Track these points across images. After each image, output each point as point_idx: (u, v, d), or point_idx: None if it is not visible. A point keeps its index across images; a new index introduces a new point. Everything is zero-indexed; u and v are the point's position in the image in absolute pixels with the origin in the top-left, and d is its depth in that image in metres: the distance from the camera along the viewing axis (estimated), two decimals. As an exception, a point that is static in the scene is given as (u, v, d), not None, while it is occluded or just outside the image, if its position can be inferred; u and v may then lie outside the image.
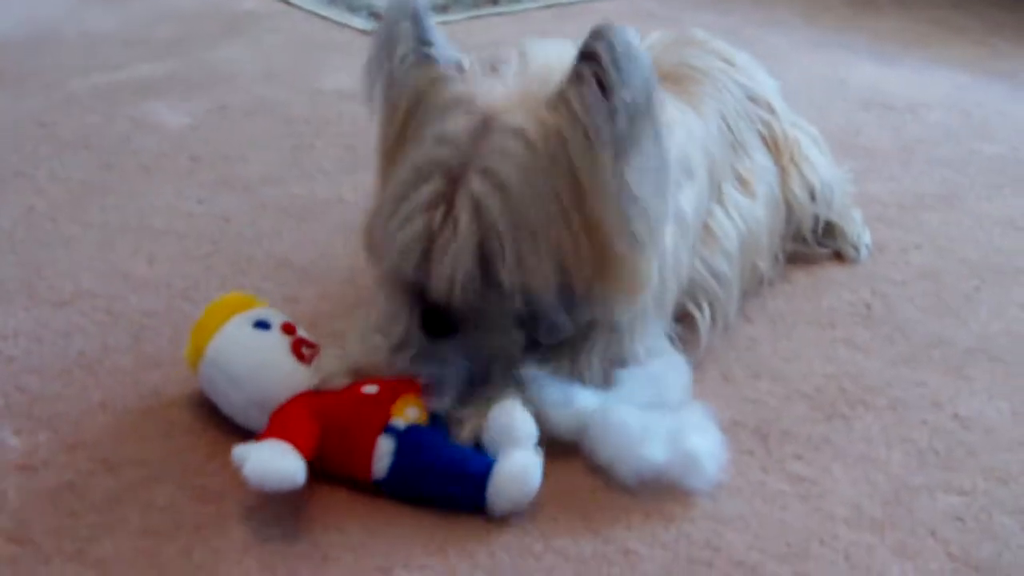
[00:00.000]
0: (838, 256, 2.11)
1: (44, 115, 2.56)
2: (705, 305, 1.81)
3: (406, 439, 1.48)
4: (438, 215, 1.45)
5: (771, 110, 2.04)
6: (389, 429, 1.49)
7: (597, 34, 1.43)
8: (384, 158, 1.58)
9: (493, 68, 1.55)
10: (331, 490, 1.49)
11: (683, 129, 1.77)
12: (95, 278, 1.95)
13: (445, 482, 1.47)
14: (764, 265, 1.95)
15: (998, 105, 2.91)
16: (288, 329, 1.61)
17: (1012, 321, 1.96)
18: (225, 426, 1.59)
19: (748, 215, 1.91)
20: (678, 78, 1.92)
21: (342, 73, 2.90)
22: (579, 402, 1.56)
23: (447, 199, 1.45)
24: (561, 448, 1.54)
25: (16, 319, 1.83)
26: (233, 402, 1.57)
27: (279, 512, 1.46)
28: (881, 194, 2.38)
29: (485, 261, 1.45)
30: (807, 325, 1.91)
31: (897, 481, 1.57)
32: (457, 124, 1.46)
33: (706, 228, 1.83)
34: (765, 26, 3.46)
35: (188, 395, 1.66)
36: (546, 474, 1.49)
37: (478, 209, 1.44)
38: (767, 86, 2.08)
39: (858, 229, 2.15)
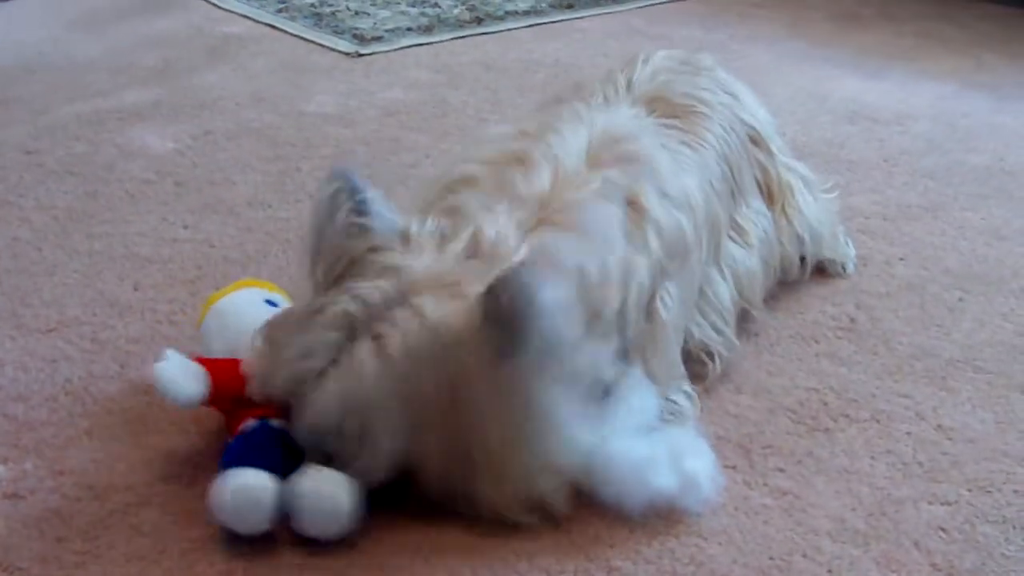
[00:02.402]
0: (822, 270, 2.12)
1: (29, 143, 2.57)
2: (705, 356, 1.81)
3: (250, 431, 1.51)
4: (325, 364, 1.46)
5: (769, 153, 2.05)
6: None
7: (503, 284, 1.40)
8: (313, 287, 1.58)
9: (442, 238, 1.55)
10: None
11: (684, 208, 1.75)
12: (81, 305, 1.95)
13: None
14: (757, 312, 1.94)
15: (983, 116, 2.93)
16: None
17: (996, 331, 1.96)
18: (210, 452, 1.59)
19: (743, 267, 1.90)
20: (687, 114, 1.92)
21: (327, 96, 2.91)
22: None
23: (337, 352, 1.46)
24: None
25: (2, 348, 1.84)
26: (213, 351, 1.67)
27: (264, 536, 1.46)
28: (865, 206, 2.39)
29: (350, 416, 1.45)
30: (790, 339, 1.92)
31: (881, 493, 1.58)
32: (375, 289, 1.47)
33: (703, 294, 1.82)
34: (750, 41, 3.47)
35: (173, 421, 1.66)
36: (529, 493, 1.50)
37: (357, 370, 1.44)
38: (766, 125, 2.08)
39: (843, 247, 2.16)
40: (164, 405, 1.68)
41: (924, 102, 3.01)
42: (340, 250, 1.54)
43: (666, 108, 1.92)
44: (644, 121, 1.87)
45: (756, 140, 2.02)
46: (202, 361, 1.56)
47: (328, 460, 1.46)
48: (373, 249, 1.52)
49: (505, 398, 1.44)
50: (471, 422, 1.45)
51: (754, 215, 1.97)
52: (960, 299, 2.06)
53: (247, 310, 1.70)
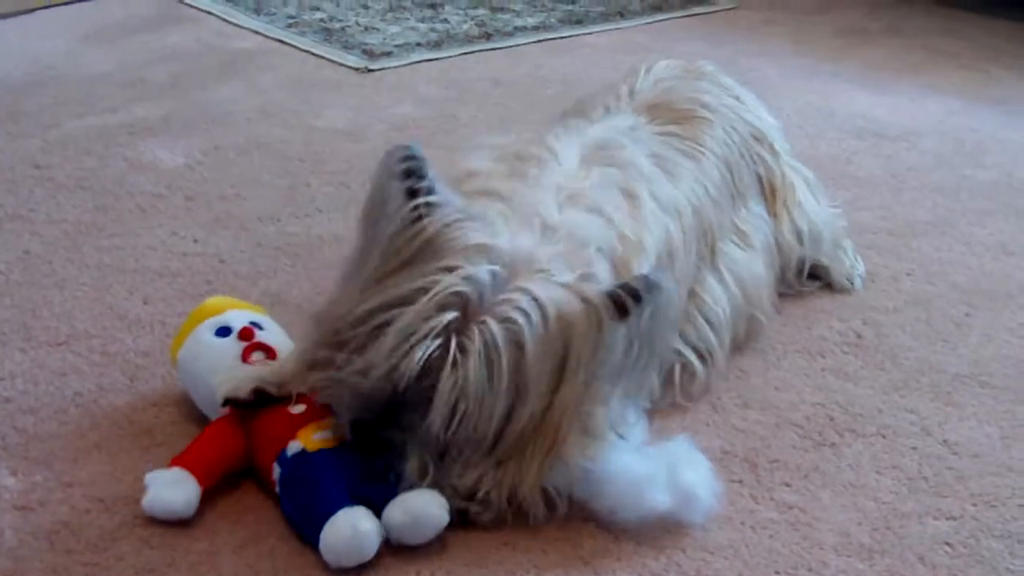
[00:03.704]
0: (829, 286, 2.12)
1: (40, 157, 2.58)
2: (697, 359, 1.81)
3: (288, 468, 1.50)
4: (448, 344, 1.45)
5: (772, 151, 2.06)
6: (280, 456, 1.51)
7: (648, 285, 1.45)
8: (371, 279, 1.54)
9: (507, 217, 1.58)
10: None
11: (671, 212, 1.76)
12: (90, 319, 1.96)
13: (307, 519, 1.47)
14: (763, 316, 1.94)
15: (990, 131, 2.93)
16: (245, 335, 1.66)
17: (1002, 346, 1.97)
18: (218, 463, 1.60)
19: (746, 270, 1.91)
20: (688, 118, 1.94)
21: (337, 111, 2.92)
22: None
23: (459, 332, 1.46)
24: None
25: (12, 360, 1.85)
26: (200, 401, 1.68)
27: (272, 547, 1.47)
28: (872, 222, 2.39)
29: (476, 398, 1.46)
30: (797, 354, 1.93)
31: (886, 508, 1.58)
32: (482, 269, 1.48)
33: (694, 296, 1.82)
34: (757, 57, 3.48)
35: (182, 433, 1.67)
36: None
37: (489, 352, 1.45)
38: (770, 125, 2.10)
39: (850, 261, 2.16)
40: (173, 418, 1.71)
41: (932, 117, 3.01)
42: (410, 230, 1.52)
43: (667, 114, 1.94)
44: (639, 132, 1.88)
45: (759, 138, 2.04)
46: (182, 460, 1.54)
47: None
48: (448, 226, 1.52)
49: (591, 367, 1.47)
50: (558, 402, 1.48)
51: (754, 219, 1.98)
52: (967, 314, 2.06)
53: (200, 351, 1.66)
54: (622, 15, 3.87)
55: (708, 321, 1.83)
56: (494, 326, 1.45)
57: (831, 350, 1.94)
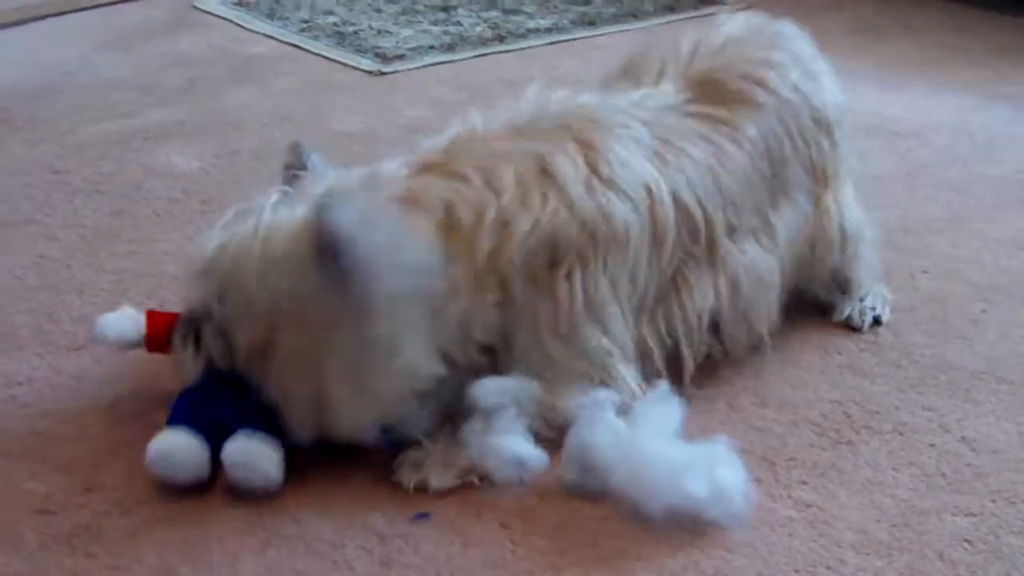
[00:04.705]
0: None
1: (56, 162, 2.59)
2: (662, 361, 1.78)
3: None
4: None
5: (830, 136, 1.96)
6: None
7: (322, 210, 1.51)
8: None
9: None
10: (340, 522, 1.52)
11: (623, 197, 1.71)
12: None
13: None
14: (761, 327, 1.87)
15: (1003, 127, 2.93)
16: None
17: (1019, 342, 1.97)
18: (237, 466, 1.61)
19: (751, 274, 1.84)
20: (739, 101, 1.85)
21: (351, 115, 2.92)
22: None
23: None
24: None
25: (31, 365, 1.86)
26: None
27: (293, 548, 1.48)
28: (887, 219, 2.38)
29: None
30: (813, 352, 1.93)
31: (904, 505, 1.58)
32: (273, 195, 1.67)
33: (674, 291, 1.77)
34: (770, 55, 3.46)
35: (201, 436, 1.68)
36: (554, 504, 1.51)
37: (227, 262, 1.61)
38: (835, 106, 1.99)
39: (876, 293, 2.05)
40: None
41: (945, 114, 3.01)
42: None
43: (716, 94, 1.85)
44: (665, 113, 1.82)
45: (821, 123, 1.94)
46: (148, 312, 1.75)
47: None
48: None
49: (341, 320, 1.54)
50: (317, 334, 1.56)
51: (794, 212, 1.90)
52: (983, 311, 2.06)
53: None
54: (635, 16, 3.86)
55: (684, 320, 1.78)
56: (236, 239, 1.60)
57: (847, 348, 1.94)
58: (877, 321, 2.01)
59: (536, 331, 1.66)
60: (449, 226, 1.63)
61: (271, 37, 3.55)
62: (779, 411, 1.77)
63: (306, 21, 3.71)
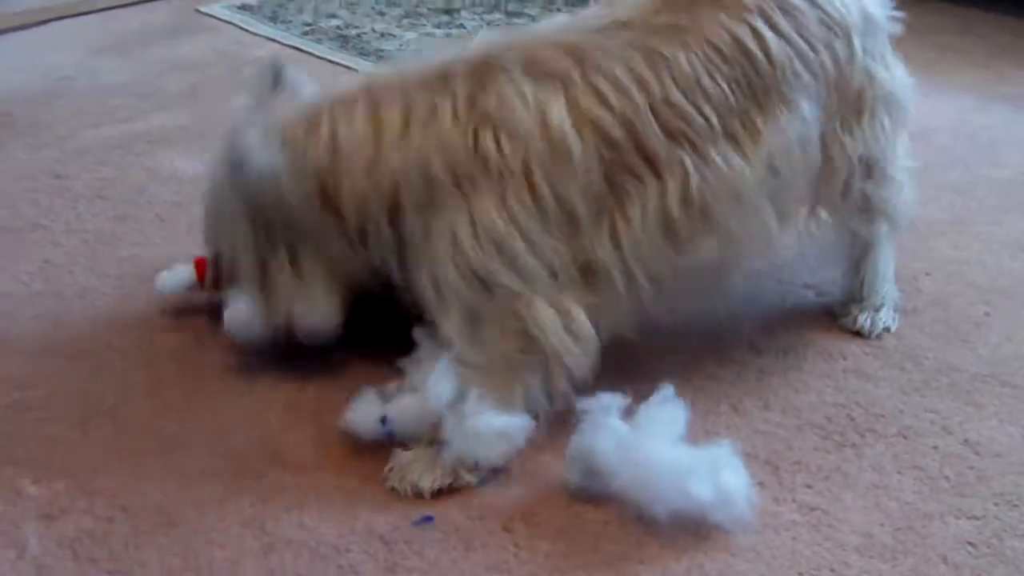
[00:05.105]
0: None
1: (59, 167, 2.59)
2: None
3: None
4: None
5: (849, 44, 1.83)
6: None
7: (232, 135, 1.74)
8: None
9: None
10: (343, 527, 1.52)
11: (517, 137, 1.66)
12: (112, 328, 1.97)
13: None
14: (740, 247, 1.76)
15: (1005, 129, 2.92)
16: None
17: (1022, 345, 1.96)
18: (241, 471, 1.61)
19: (720, 178, 1.71)
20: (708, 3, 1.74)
21: (353, 117, 2.92)
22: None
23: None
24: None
25: (34, 369, 1.86)
26: None
27: (296, 552, 1.48)
28: (889, 222, 2.39)
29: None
30: (816, 356, 1.93)
31: (908, 508, 1.58)
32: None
33: (607, 212, 1.69)
34: (772, 58, 3.47)
35: (204, 442, 1.68)
36: (557, 508, 1.51)
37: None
38: (859, 13, 1.87)
39: (888, 313, 2.02)
40: (195, 427, 1.71)
41: (946, 115, 3.01)
42: None
43: (685, 2, 1.75)
44: (613, 32, 1.73)
45: (832, 27, 1.81)
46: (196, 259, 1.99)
47: None
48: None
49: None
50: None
51: (783, 120, 1.76)
52: (986, 313, 2.06)
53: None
54: (636, 18, 3.87)
55: (629, 231, 1.69)
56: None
57: (851, 351, 1.94)
58: (886, 330, 2.00)
59: (433, 268, 1.69)
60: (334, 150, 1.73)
61: (274, 40, 3.55)
62: (783, 415, 1.77)
63: (309, 24, 3.71)
